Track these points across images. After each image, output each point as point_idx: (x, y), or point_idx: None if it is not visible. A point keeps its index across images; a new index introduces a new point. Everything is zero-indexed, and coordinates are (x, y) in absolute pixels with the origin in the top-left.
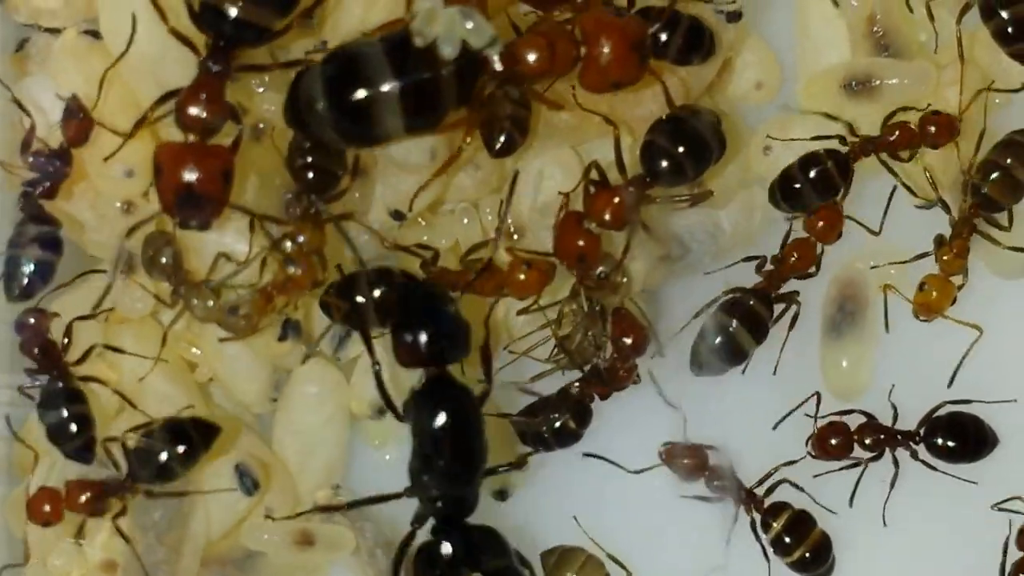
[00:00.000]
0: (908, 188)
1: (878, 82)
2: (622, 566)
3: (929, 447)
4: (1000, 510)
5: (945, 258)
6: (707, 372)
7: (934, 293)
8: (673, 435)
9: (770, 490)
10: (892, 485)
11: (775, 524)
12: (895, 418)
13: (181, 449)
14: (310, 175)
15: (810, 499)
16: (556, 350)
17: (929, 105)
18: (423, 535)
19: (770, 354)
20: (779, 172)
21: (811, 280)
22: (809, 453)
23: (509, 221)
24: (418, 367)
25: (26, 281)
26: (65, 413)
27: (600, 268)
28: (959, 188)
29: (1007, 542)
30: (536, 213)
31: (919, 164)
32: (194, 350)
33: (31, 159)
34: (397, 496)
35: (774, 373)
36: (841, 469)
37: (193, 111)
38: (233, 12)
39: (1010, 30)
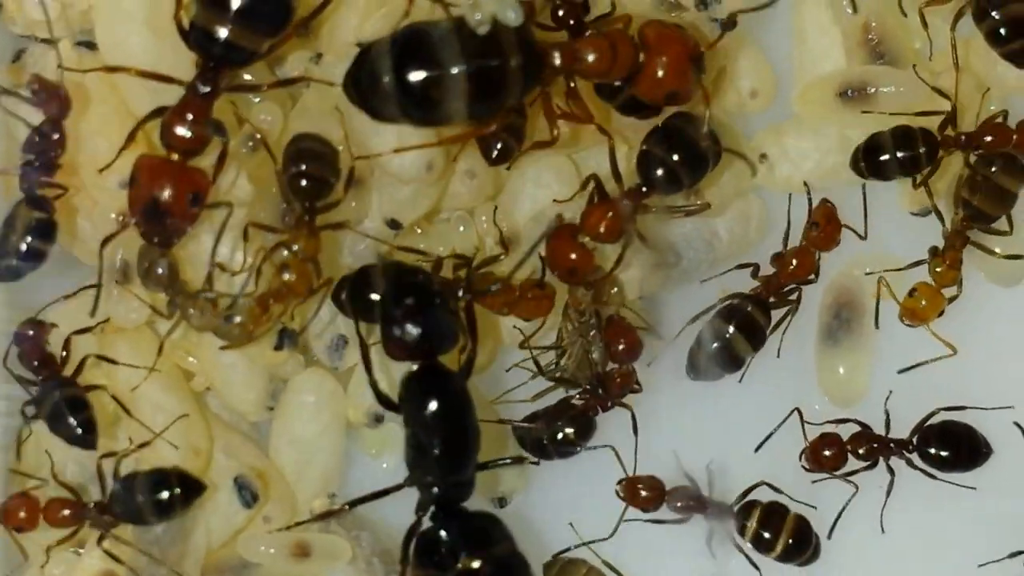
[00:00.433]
0: (930, 195)
1: (873, 90)
2: None
3: (922, 456)
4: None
5: (938, 270)
6: (704, 377)
7: (923, 301)
8: (671, 442)
9: (743, 496)
10: (888, 493)
11: (749, 524)
12: (888, 426)
13: (161, 497)
14: (303, 183)
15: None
16: (554, 364)
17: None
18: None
19: (768, 360)
20: (869, 136)
21: (809, 286)
22: (803, 466)
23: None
24: (407, 360)
25: (14, 262)
26: (58, 394)
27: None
28: (952, 196)
29: None
30: (531, 222)
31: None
32: (191, 359)
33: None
34: (397, 488)
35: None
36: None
37: (178, 131)
38: (223, 34)
39: (1002, 31)
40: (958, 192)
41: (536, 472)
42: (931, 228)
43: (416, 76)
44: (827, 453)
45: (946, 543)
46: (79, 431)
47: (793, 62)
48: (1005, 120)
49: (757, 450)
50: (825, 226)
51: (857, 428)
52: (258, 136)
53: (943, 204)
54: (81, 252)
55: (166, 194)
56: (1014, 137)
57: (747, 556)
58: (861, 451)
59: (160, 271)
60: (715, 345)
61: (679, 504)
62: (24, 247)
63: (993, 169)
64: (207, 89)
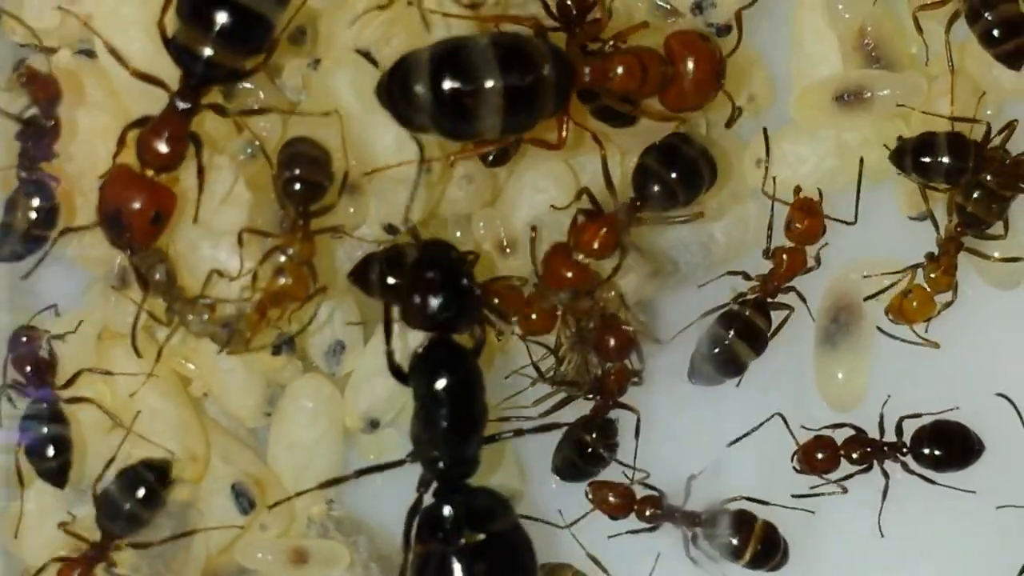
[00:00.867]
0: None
1: (869, 94)
2: None
3: (916, 457)
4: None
5: (933, 275)
6: (704, 382)
7: (914, 303)
8: (669, 446)
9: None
10: (884, 497)
11: (718, 532)
12: (882, 430)
13: (141, 494)
14: (297, 187)
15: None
16: (553, 371)
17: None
18: None
19: (767, 364)
20: (919, 135)
21: (806, 291)
22: (794, 467)
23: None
24: (426, 330)
25: (15, 247)
26: (45, 431)
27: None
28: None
29: None
30: (528, 226)
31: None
32: (189, 365)
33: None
34: (400, 463)
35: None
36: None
37: (153, 147)
38: (206, 53)
39: (996, 32)
40: (952, 198)
41: (535, 473)
42: (930, 232)
43: (452, 89)
44: (820, 456)
45: (946, 544)
46: (54, 469)
47: (790, 67)
48: (1012, 132)
49: (731, 444)
50: (804, 220)
51: (852, 432)
52: (256, 143)
53: (939, 209)
54: (81, 259)
55: (130, 209)
56: None
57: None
58: (855, 455)
59: (158, 276)
60: (715, 350)
61: (647, 513)
62: (27, 230)
63: (987, 176)
64: (186, 106)
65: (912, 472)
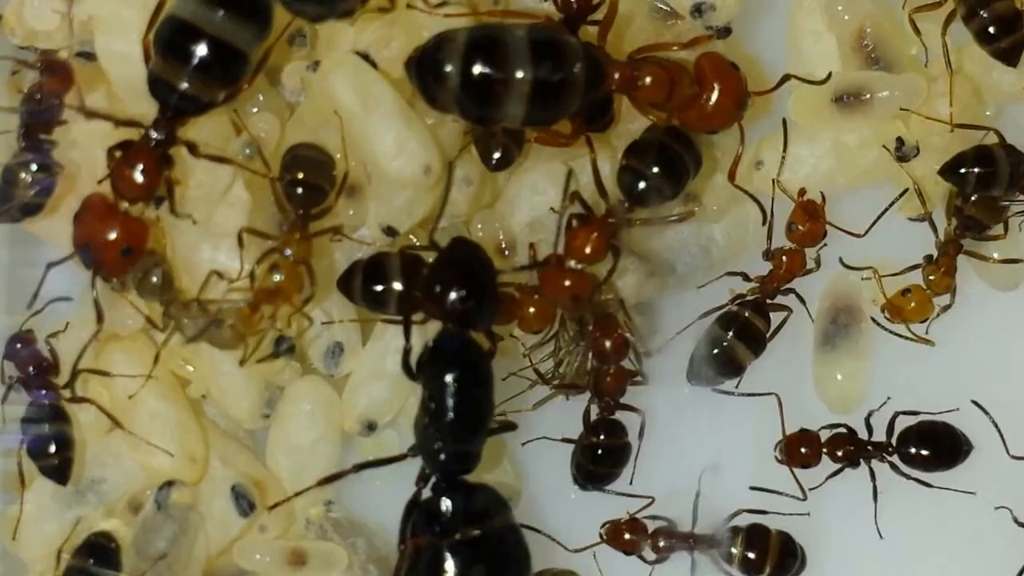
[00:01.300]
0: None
1: (868, 95)
2: None
3: (903, 457)
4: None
5: (932, 277)
6: (704, 383)
7: (912, 304)
8: (667, 448)
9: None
10: (875, 498)
11: (734, 549)
12: (869, 429)
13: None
14: (299, 190)
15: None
16: (552, 372)
17: None
18: None
19: (766, 365)
20: (979, 146)
21: (805, 293)
22: (776, 457)
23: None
24: (443, 321)
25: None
26: (47, 428)
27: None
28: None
29: None
30: (527, 228)
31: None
32: (187, 367)
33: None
34: (402, 457)
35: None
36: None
37: (127, 178)
38: (182, 86)
39: (991, 29)
40: (951, 201)
41: (534, 473)
42: (930, 234)
43: (482, 73)
44: (803, 450)
45: (946, 545)
46: (56, 466)
47: (788, 68)
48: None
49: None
50: (806, 223)
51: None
52: (256, 145)
53: (937, 211)
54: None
55: (101, 241)
56: None
57: None
58: (839, 452)
59: (155, 279)
60: (714, 351)
61: (662, 544)
62: (26, 192)
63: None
64: (161, 137)
65: (901, 474)
